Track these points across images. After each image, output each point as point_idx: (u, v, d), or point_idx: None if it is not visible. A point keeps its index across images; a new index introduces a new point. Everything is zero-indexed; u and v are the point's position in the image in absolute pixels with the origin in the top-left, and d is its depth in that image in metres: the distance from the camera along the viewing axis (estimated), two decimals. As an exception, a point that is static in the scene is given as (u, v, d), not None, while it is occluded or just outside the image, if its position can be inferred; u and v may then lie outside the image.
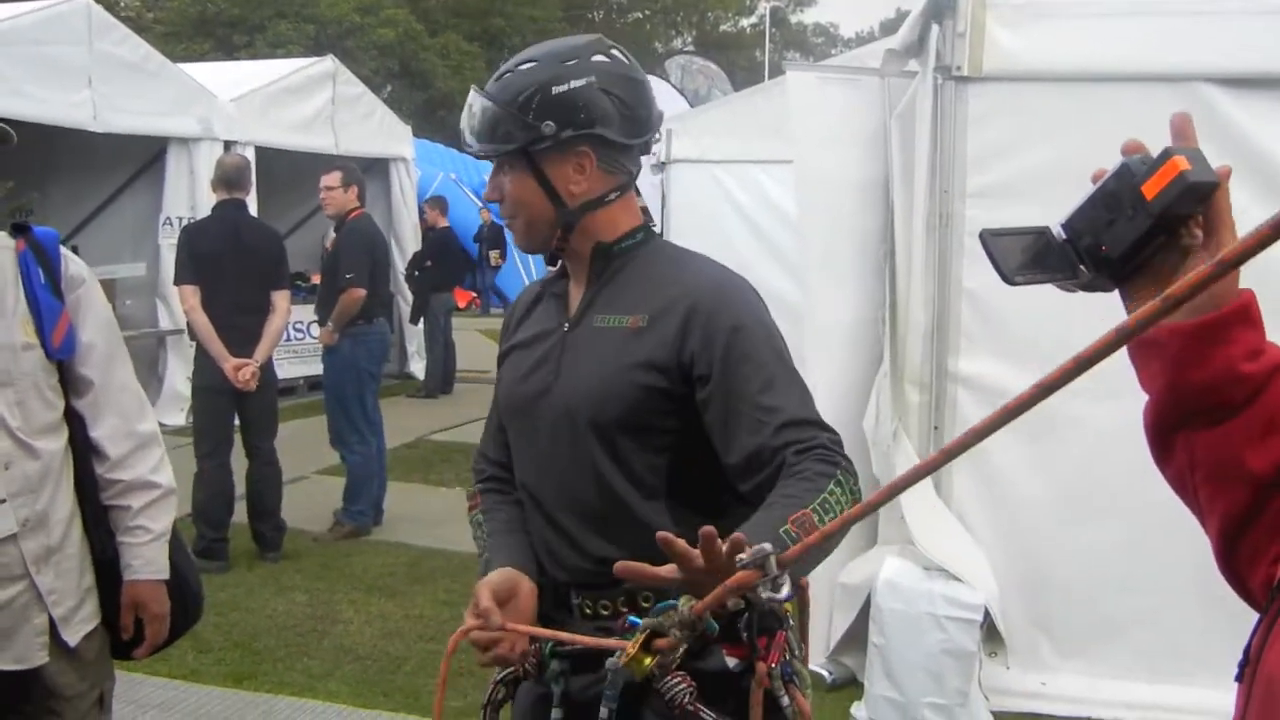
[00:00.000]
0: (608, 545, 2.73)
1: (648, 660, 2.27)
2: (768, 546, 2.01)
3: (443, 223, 17.14)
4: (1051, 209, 5.52)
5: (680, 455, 2.76)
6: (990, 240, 1.48)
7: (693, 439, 2.73)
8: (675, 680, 2.60)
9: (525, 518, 2.95)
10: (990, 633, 6.30)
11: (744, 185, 11.70)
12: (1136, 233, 1.45)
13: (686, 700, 2.60)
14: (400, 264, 16.78)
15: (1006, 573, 6.29)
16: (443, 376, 17.00)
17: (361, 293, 9.34)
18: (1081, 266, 1.49)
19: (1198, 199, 1.45)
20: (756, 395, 2.64)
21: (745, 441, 2.63)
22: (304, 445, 11.37)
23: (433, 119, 37.72)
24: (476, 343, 19.75)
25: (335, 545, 9.42)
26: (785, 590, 2.02)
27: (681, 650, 2.31)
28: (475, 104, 2.80)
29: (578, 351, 2.83)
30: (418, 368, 17.83)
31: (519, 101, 2.73)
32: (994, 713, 6.13)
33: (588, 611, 2.81)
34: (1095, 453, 5.95)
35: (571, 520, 2.81)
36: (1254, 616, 1.39)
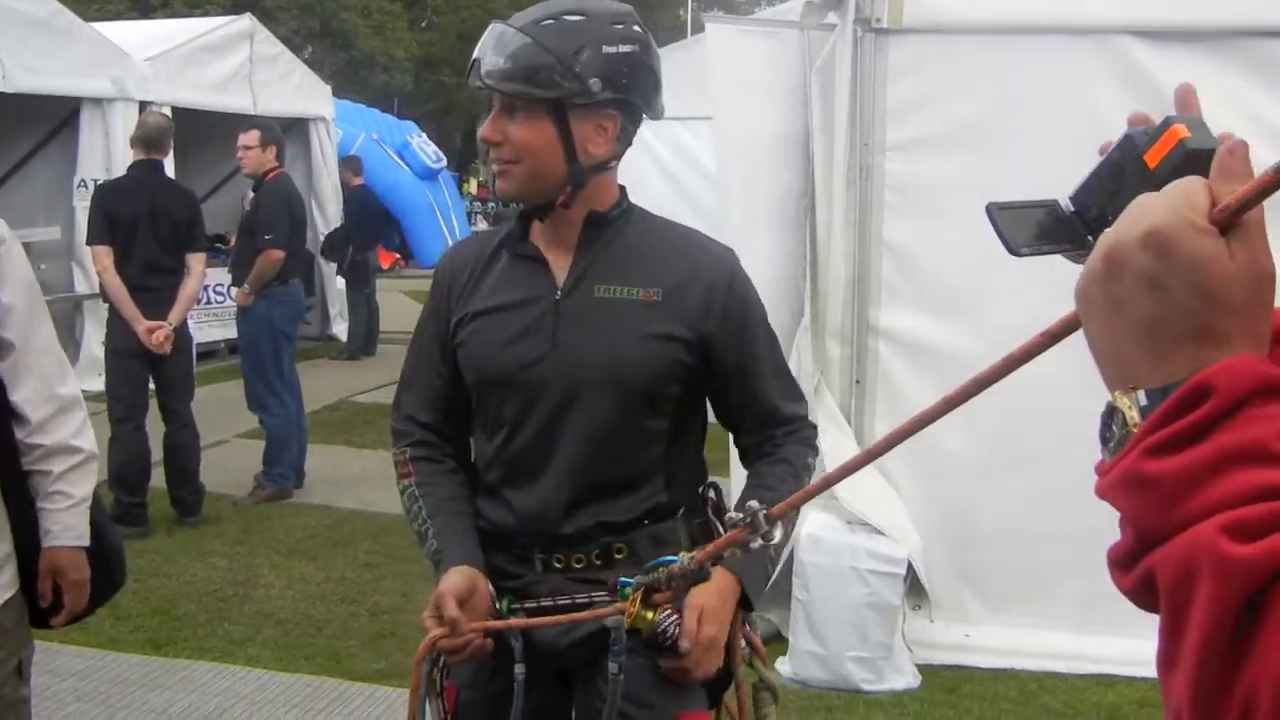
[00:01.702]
0: (605, 509, 2.87)
1: (650, 614, 2.46)
2: (755, 504, 2.11)
3: (356, 181, 16.97)
4: (972, 161, 5.50)
5: (677, 419, 2.92)
6: (997, 214, 1.46)
7: (688, 404, 2.94)
8: (667, 613, 2.68)
9: (464, 490, 3.01)
10: (914, 586, 6.33)
11: (665, 141, 11.66)
12: None
13: (677, 632, 2.72)
14: (321, 225, 16.62)
15: (929, 525, 6.30)
16: (366, 338, 16.86)
17: (280, 254, 9.24)
18: (1090, 238, 1.47)
19: (1199, 166, 1.43)
20: (758, 375, 2.96)
21: (749, 419, 3.00)
22: (223, 409, 11.25)
23: (354, 79, 37.31)
24: (400, 304, 19.60)
25: (256, 509, 9.31)
26: (778, 536, 2.15)
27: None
28: (513, 42, 2.70)
29: (579, 321, 2.85)
30: (340, 329, 17.68)
31: (571, 52, 2.68)
32: (918, 665, 6.16)
33: (557, 565, 2.89)
34: (1017, 403, 5.92)
35: (568, 486, 2.86)
36: None
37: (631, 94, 2.76)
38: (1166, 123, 1.40)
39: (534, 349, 2.85)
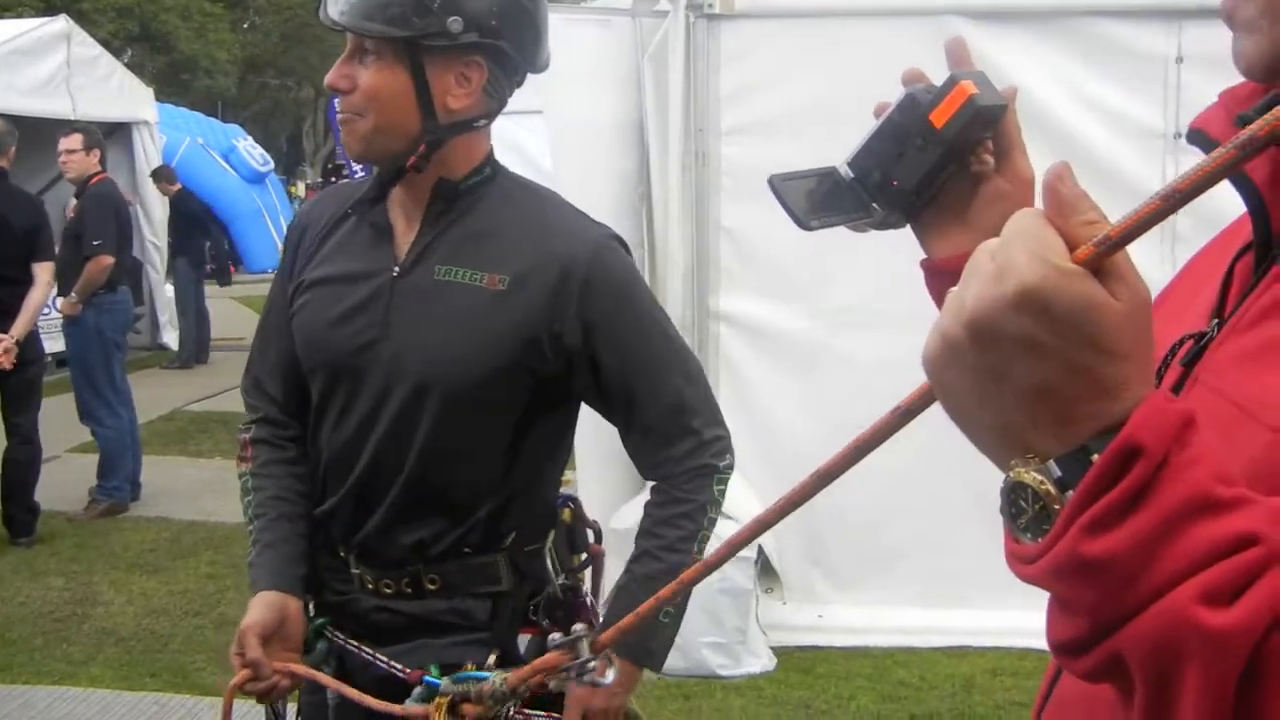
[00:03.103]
0: (419, 527, 2.55)
1: None
2: (579, 628, 1.92)
3: (174, 189, 16.56)
4: (807, 144, 5.54)
5: (519, 432, 2.56)
6: (780, 185, 1.42)
7: (535, 414, 2.57)
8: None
9: (299, 484, 2.70)
10: (765, 569, 6.34)
11: (496, 138, 11.56)
12: (928, 163, 1.40)
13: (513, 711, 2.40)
14: (147, 231, 16.25)
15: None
16: (197, 345, 16.55)
17: (109, 260, 9.05)
18: (874, 204, 1.44)
19: (987, 123, 1.41)
20: (644, 377, 2.54)
21: (636, 433, 2.59)
22: (53, 423, 10.84)
23: (176, 83, 36.70)
24: (231, 310, 19.27)
25: (92, 524, 9.07)
26: (611, 676, 1.98)
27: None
28: None
29: (414, 306, 2.51)
30: (171, 337, 17.31)
31: None
32: (773, 648, 6.20)
33: (368, 585, 2.61)
34: (861, 385, 5.98)
35: (384, 496, 2.55)
36: None
37: (503, 39, 2.42)
38: (952, 80, 1.38)
39: (363, 332, 2.53)
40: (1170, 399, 0.95)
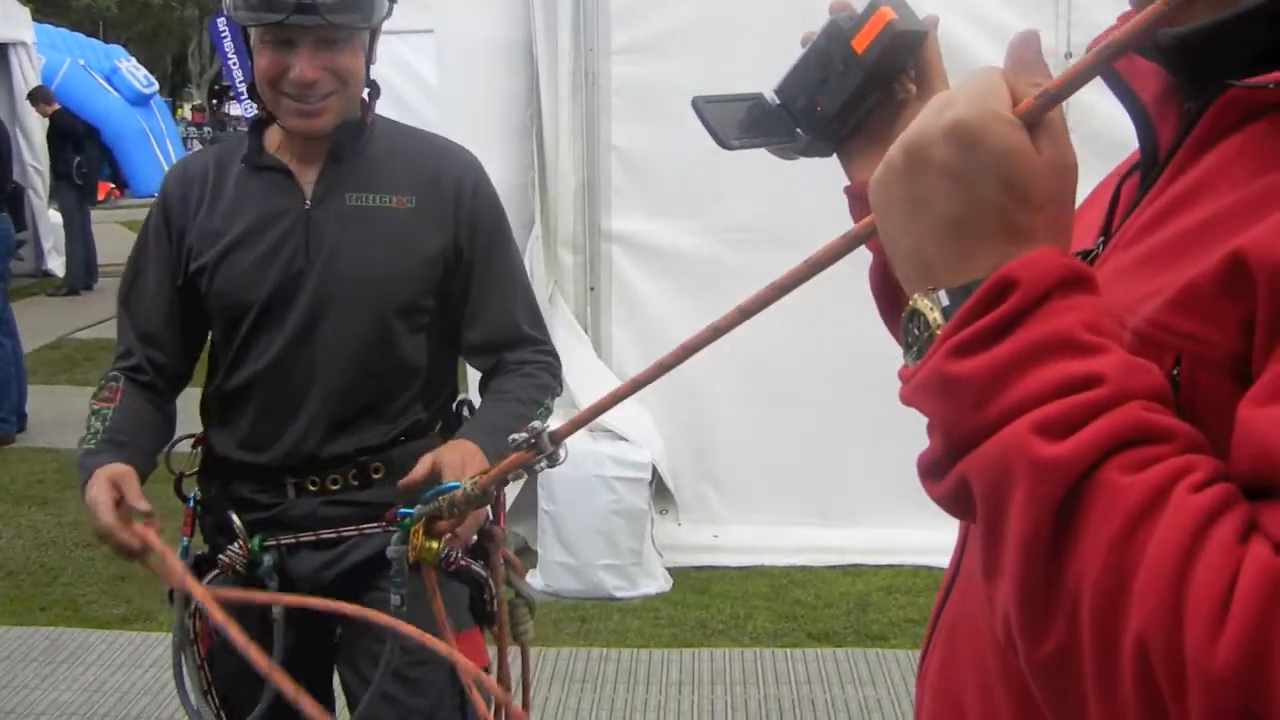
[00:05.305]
0: (358, 433, 2.80)
1: (435, 544, 2.29)
2: (538, 424, 1.97)
3: (51, 109, 16.17)
4: (699, 63, 5.48)
5: (433, 333, 2.87)
6: (704, 108, 1.44)
7: (444, 316, 2.88)
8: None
9: (167, 420, 2.91)
10: (660, 490, 6.36)
11: (385, 57, 11.43)
12: (850, 88, 1.42)
13: (459, 556, 2.71)
14: (27, 155, 15.88)
15: (672, 429, 6.34)
16: (84, 271, 16.25)
17: (-13, 188, 8.77)
18: (799, 130, 1.44)
19: (907, 49, 1.43)
20: (506, 288, 2.89)
21: (489, 329, 2.89)
22: (-66, 354, 10.72)
23: (54, 2, 35.84)
24: (117, 234, 18.94)
25: (-24, 457, 8.91)
26: (563, 457, 2.04)
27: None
28: None
29: (333, 233, 2.76)
30: (56, 264, 17.00)
31: None
32: (668, 569, 6.22)
33: (311, 489, 2.80)
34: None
35: (324, 412, 2.78)
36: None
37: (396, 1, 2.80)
38: (873, 6, 1.40)
39: (287, 265, 2.75)
40: (1067, 255, 1.00)
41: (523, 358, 2.89)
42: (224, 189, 2.82)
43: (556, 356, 2.99)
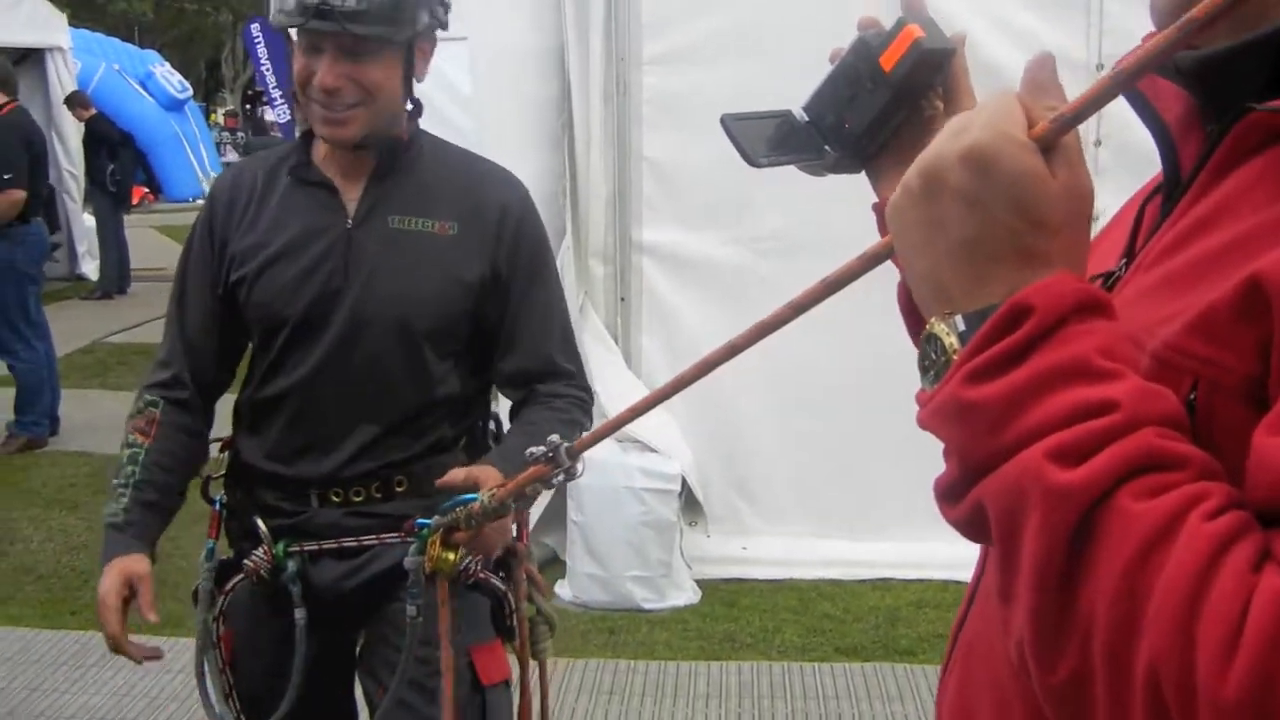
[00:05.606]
0: (388, 450, 2.79)
1: (452, 556, 2.36)
2: (556, 438, 2.01)
3: (88, 114, 16.25)
4: (728, 73, 5.48)
5: (464, 357, 2.85)
6: (732, 125, 1.44)
7: (477, 344, 2.86)
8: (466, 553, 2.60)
9: (196, 444, 2.95)
10: (689, 501, 6.35)
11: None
12: (878, 105, 1.42)
13: (478, 568, 2.76)
14: (63, 159, 15.95)
15: (701, 441, 6.33)
16: (118, 276, 16.31)
17: (22, 194, 8.87)
18: (827, 147, 1.44)
19: (935, 66, 1.42)
20: (542, 319, 2.87)
21: (522, 359, 2.86)
22: (-33, 358, 10.78)
23: (91, 7, 36.04)
24: (151, 239, 19.04)
25: (9, 459, 8.95)
26: (580, 471, 2.08)
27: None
28: None
29: (374, 254, 2.76)
30: (90, 268, 17.05)
31: None
32: (697, 581, 6.21)
33: (335, 499, 2.81)
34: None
35: (351, 431, 2.78)
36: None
37: (445, 15, 2.81)
38: (900, 24, 1.40)
39: (326, 283, 2.75)
40: (1082, 281, 1.00)
41: (554, 390, 2.87)
42: (270, 200, 2.83)
43: (589, 392, 2.97)
